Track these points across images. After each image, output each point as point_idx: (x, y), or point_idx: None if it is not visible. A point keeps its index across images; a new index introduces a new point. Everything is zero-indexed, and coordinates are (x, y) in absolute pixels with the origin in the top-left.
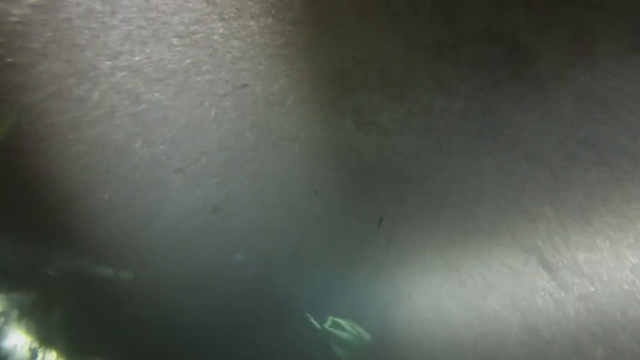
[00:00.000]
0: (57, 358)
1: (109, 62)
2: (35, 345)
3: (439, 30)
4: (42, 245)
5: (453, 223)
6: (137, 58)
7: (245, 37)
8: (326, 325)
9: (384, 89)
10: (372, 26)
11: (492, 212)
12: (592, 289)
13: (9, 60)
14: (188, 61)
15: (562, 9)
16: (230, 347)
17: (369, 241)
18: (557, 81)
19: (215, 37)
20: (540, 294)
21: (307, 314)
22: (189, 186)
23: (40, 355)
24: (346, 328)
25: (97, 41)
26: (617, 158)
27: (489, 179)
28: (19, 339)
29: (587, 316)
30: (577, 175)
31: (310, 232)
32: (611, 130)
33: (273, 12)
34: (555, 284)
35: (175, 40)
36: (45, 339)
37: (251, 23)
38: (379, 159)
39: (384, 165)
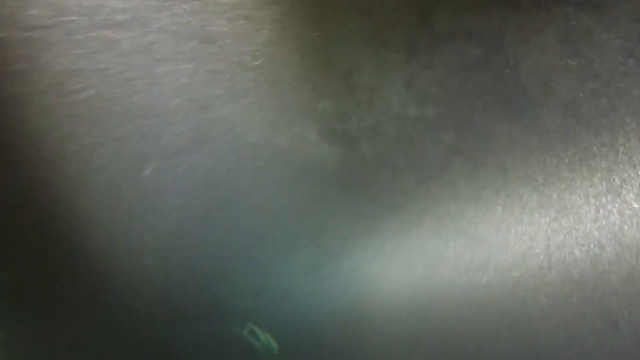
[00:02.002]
0: None
1: None
2: None
3: (412, 30)
4: None
5: (423, 241)
6: None
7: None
8: (244, 333)
9: (351, 95)
10: (337, 25)
11: (466, 224)
12: None
13: None
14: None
15: (553, 9)
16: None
17: (328, 256)
18: (543, 89)
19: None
20: None
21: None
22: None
23: None
24: (260, 337)
25: None
26: (611, 183)
27: (463, 196)
28: None
29: None
30: (562, 197)
31: (268, 244)
32: (602, 148)
33: (226, 9)
34: None
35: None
36: None
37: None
38: (344, 168)
39: (350, 174)
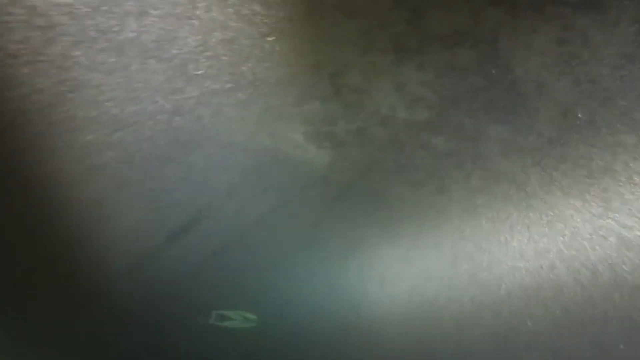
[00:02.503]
0: None
1: None
2: None
3: (402, 30)
4: None
5: (409, 253)
6: None
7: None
8: (211, 321)
9: (338, 97)
10: (324, 25)
11: (453, 236)
12: None
13: None
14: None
15: (549, 9)
16: None
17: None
18: (539, 92)
19: None
20: None
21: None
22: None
23: None
24: (230, 317)
25: None
26: (604, 191)
27: (454, 200)
28: None
29: None
30: (555, 213)
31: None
32: (599, 162)
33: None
34: None
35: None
36: None
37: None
38: (332, 171)
39: (337, 179)
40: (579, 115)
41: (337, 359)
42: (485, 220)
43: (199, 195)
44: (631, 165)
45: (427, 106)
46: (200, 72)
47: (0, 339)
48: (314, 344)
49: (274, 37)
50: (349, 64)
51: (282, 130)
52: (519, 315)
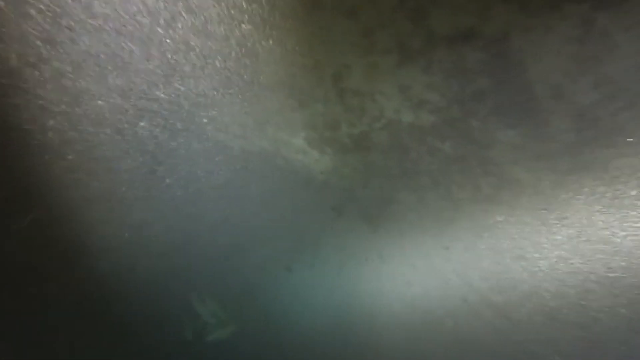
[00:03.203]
0: None
1: None
2: None
3: (406, 30)
4: None
5: (416, 255)
6: None
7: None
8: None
9: (340, 100)
10: (324, 24)
11: (463, 248)
12: None
13: None
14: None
15: (565, 6)
16: None
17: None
18: (554, 96)
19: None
20: None
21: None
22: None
23: None
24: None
25: None
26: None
27: (462, 207)
28: None
29: None
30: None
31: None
32: (619, 162)
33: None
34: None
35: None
36: None
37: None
38: (334, 177)
39: (340, 184)
40: (597, 120)
41: None
42: (500, 232)
43: (192, 206)
44: None
45: (433, 109)
46: (157, 69)
47: None
48: (312, 347)
49: (264, 34)
50: (350, 65)
51: (283, 135)
52: (541, 344)
